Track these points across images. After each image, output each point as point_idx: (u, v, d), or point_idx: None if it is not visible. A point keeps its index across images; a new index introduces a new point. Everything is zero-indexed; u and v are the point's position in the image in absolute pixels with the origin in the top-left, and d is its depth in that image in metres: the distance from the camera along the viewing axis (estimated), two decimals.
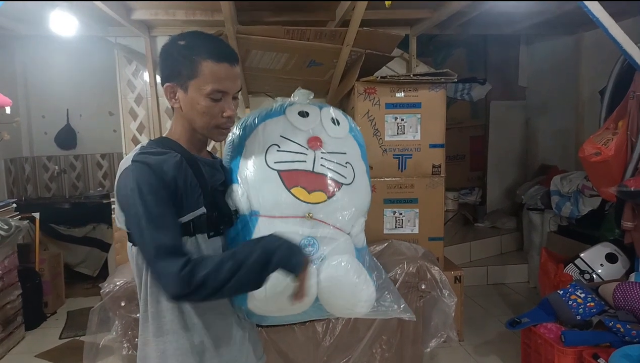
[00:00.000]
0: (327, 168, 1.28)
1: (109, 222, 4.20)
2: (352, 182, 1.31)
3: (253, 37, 2.73)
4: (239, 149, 1.32)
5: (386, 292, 1.35)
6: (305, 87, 1.42)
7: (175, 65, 1.14)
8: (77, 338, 3.34)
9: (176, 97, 1.16)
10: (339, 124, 1.37)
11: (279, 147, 1.29)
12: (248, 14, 3.02)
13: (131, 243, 1.15)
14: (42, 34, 3.37)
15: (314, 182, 1.26)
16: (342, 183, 1.28)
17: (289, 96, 1.41)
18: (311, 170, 1.27)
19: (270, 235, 1.10)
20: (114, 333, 2.31)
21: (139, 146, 1.17)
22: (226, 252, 1.10)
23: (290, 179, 1.25)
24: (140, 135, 3.53)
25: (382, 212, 2.90)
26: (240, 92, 1.20)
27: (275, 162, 1.26)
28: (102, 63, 4.20)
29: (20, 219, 3.44)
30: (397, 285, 2.39)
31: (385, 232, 2.91)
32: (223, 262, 1.03)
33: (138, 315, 1.22)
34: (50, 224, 4.25)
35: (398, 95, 2.84)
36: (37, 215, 3.73)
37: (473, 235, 4.62)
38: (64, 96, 4.77)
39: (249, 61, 3.00)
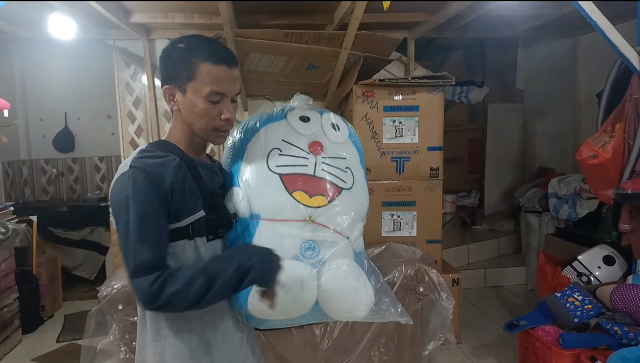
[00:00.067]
0: (328, 172, 1.29)
1: (106, 225, 4.20)
2: (352, 186, 1.31)
3: (251, 40, 2.74)
4: (240, 152, 1.32)
5: (384, 296, 1.35)
6: (304, 90, 1.43)
7: (174, 67, 1.15)
8: (75, 342, 3.33)
9: (175, 100, 1.17)
10: (338, 129, 1.38)
11: (281, 151, 1.29)
12: (246, 17, 3.03)
13: None
14: (41, 37, 3.37)
15: (315, 186, 1.26)
16: (342, 188, 1.29)
17: (288, 99, 1.42)
18: (312, 174, 1.27)
19: (245, 248, 1.11)
20: (112, 336, 2.30)
21: (138, 149, 1.17)
22: (199, 265, 1.07)
23: (291, 182, 1.25)
24: (139, 138, 3.53)
25: (380, 214, 2.90)
26: (239, 95, 1.20)
27: (277, 166, 1.27)
28: (100, 66, 4.20)
29: (17, 222, 3.42)
30: (395, 287, 2.40)
31: (383, 234, 2.91)
32: (195, 278, 1.03)
33: (136, 318, 1.22)
34: (48, 227, 4.25)
35: (396, 98, 2.85)
36: (34, 218, 3.72)
37: (471, 237, 4.63)
38: (62, 99, 4.76)
39: (247, 64, 3.01)
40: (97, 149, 4.87)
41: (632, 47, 2.27)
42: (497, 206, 5.07)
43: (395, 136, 2.88)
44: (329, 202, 1.25)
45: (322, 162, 1.29)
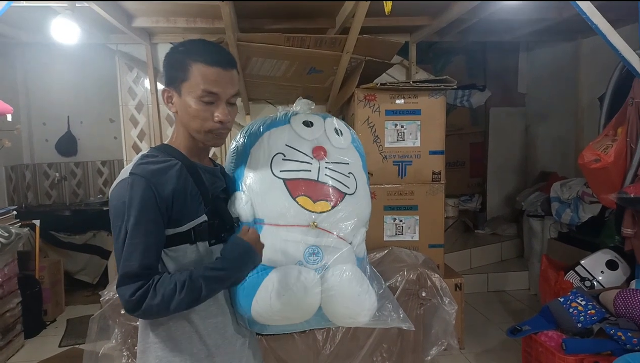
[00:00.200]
0: (331, 178, 1.29)
1: (109, 229, 4.09)
2: (355, 192, 1.31)
3: (253, 44, 2.75)
4: (243, 157, 1.32)
5: (386, 302, 1.35)
6: (306, 94, 1.43)
7: (171, 70, 1.16)
8: (77, 346, 3.32)
9: (173, 102, 1.18)
10: (341, 134, 1.38)
11: (285, 155, 1.29)
12: (249, 21, 3.04)
13: None
14: (44, 42, 3.39)
15: (318, 191, 1.26)
16: (346, 193, 1.29)
17: (290, 103, 1.42)
18: (316, 179, 1.28)
19: (224, 254, 1.12)
20: (114, 341, 2.30)
21: (139, 155, 1.17)
22: (182, 277, 1.06)
23: (295, 187, 1.25)
24: (141, 142, 3.54)
25: (382, 219, 2.89)
26: (237, 98, 1.20)
27: (281, 171, 1.27)
28: (103, 70, 4.22)
29: (20, 226, 3.43)
30: (397, 292, 2.39)
31: (385, 239, 2.90)
32: (176, 291, 1.04)
33: (138, 323, 1.22)
34: (51, 231, 4.25)
35: (398, 102, 2.85)
36: (37, 222, 3.72)
37: (473, 242, 4.62)
38: (64, 103, 4.78)
39: (249, 68, 3.01)
40: (100, 153, 4.88)
41: (634, 50, 2.27)
42: (500, 210, 5.06)
43: (397, 140, 2.87)
44: (333, 207, 1.25)
45: (326, 167, 1.29)
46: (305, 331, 2.32)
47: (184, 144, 1.20)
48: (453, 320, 2.41)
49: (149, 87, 3.47)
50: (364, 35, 2.73)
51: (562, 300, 2.42)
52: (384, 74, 3.32)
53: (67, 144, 4.86)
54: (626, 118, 2.44)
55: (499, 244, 4.60)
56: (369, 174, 1.46)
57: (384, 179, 2.88)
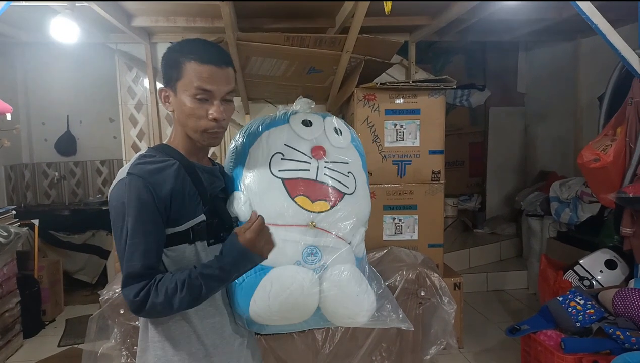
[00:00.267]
0: (330, 177, 1.29)
1: (108, 228, 4.18)
2: (354, 191, 1.31)
3: (253, 43, 2.74)
4: (242, 156, 1.32)
5: (385, 302, 1.35)
6: (305, 93, 1.43)
7: (167, 69, 1.17)
8: (76, 346, 3.32)
9: (169, 101, 1.18)
10: (341, 133, 1.38)
11: (283, 155, 1.29)
12: (248, 20, 3.04)
13: None
14: (43, 41, 3.38)
15: (317, 191, 1.26)
16: (345, 193, 1.28)
17: (289, 102, 1.42)
18: (315, 179, 1.27)
19: (223, 253, 1.10)
20: (113, 341, 2.30)
21: (137, 155, 1.17)
22: (183, 276, 1.06)
23: (294, 187, 1.25)
24: (140, 141, 3.54)
25: (382, 218, 2.90)
26: (233, 95, 1.20)
27: (279, 171, 1.27)
28: (102, 70, 4.22)
29: (19, 226, 3.43)
30: (396, 292, 2.39)
31: (384, 238, 2.91)
32: (177, 290, 1.05)
33: (137, 322, 1.22)
34: (50, 231, 4.24)
35: (397, 101, 2.85)
36: (36, 222, 3.72)
37: (472, 241, 4.62)
38: (64, 103, 4.78)
39: (249, 68, 3.01)
40: (99, 152, 4.88)
41: (633, 50, 2.27)
42: (499, 210, 5.06)
43: (397, 139, 2.88)
44: (331, 207, 1.25)
45: (325, 167, 1.29)
46: (305, 331, 2.33)
47: (182, 143, 1.20)
48: (452, 320, 2.41)
49: (148, 87, 3.46)
50: (364, 35, 2.73)
51: (561, 299, 2.43)
52: (383, 73, 3.32)
53: (67, 144, 4.85)
54: (625, 118, 2.44)
55: (498, 244, 4.60)
56: (369, 174, 1.46)
57: (383, 179, 2.88)
